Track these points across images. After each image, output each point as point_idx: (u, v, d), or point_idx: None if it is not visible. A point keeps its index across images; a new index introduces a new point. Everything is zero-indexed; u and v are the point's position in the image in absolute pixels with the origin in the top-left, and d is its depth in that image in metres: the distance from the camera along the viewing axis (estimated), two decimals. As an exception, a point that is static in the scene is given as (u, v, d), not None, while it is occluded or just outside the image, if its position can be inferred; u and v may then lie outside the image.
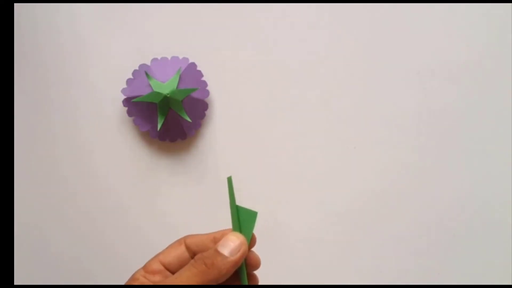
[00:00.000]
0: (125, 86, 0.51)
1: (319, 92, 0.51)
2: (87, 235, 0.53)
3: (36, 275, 0.53)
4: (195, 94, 0.50)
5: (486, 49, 0.50)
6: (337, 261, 0.51)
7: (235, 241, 0.33)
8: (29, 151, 0.53)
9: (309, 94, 0.51)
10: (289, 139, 0.51)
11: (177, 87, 0.49)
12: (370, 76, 0.51)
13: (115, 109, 0.52)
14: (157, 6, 0.51)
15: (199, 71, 0.51)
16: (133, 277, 0.34)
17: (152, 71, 0.50)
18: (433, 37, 0.50)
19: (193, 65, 0.51)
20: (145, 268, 0.35)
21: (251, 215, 0.34)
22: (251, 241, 0.34)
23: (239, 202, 0.35)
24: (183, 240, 0.36)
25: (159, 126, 0.49)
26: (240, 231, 0.34)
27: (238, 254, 0.33)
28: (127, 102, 0.51)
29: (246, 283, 0.34)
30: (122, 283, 0.35)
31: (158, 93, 0.48)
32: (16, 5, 0.52)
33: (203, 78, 0.51)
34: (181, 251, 0.36)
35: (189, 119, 0.49)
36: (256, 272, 0.36)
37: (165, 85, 0.49)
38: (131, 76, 0.51)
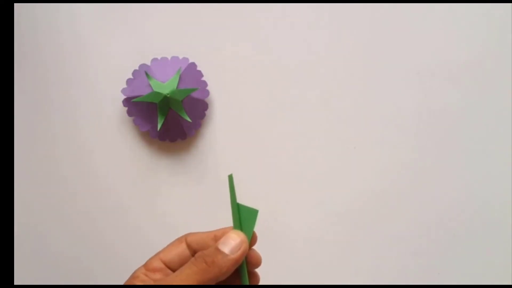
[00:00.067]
0: (125, 86, 0.51)
1: (319, 92, 0.51)
2: (87, 235, 0.53)
3: (36, 275, 0.53)
4: (195, 94, 0.50)
5: (486, 49, 0.50)
6: (337, 261, 0.51)
7: (236, 239, 0.33)
8: (29, 151, 0.53)
9: (309, 94, 0.51)
10: (289, 139, 0.51)
11: (177, 87, 0.49)
12: (370, 76, 0.51)
13: (115, 109, 0.52)
14: (157, 6, 0.51)
15: (199, 71, 0.51)
16: (133, 275, 0.35)
17: (152, 71, 0.50)
18: (433, 37, 0.50)
19: (193, 65, 0.51)
20: (145, 266, 0.35)
21: (252, 213, 0.34)
22: (252, 239, 0.34)
23: (239, 201, 0.34)
24: (184, 238, 0.36)
25: (159, 126, 0.49)
26: (241, 229, 0.34)
27: (239, 252, 0.33)
28: (127, 102, 0.51)
29: (246, 281, 0.34)
30: (122, 283, 0.35)
31: (158, 93, 0.48)
32: (16, 5, 0.52)
33: (203, 78, 0.51)
34: (182, 249, 0.36)
35: (189, 119, 0.49)
36: (256, 271, 0.36)
37: (165, 85, 0.49)
38: (131, 76, 0.51)
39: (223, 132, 0.52)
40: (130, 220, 0.52)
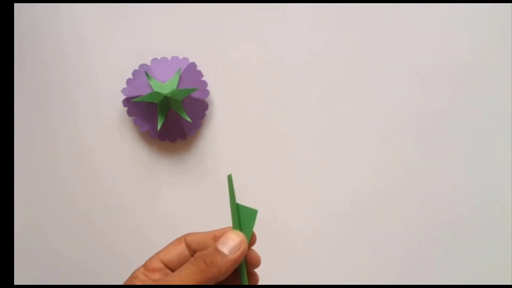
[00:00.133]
0: (125, 86, 0.51)
1: (319, 92, 0.51)
2: (87, 235, 0.53)
3: (36, 275, 0.53)
4: (195, 94, 0.50)
5: (486, 49, 0.50)
6: (337, 261, 0.51)
7: (235, 239, 0.33)
8: (29, 151, 0.53)
9: (309, 94, 0.51)
10: (289, 139, 0.51)
11: (177, 87, 0.49)
12: (370, 76, 0.51)
13: (115, 109, 0.52)
14: (157, 6, 0.51)
15: (199, 71, 0.51)
16: (133, 275, 0.35)
17: (152, 71, 0.50)
18: (433, 37, 0.50)
19: (193, 65, 0.51)
20: (145, 266, 0.35)
21: (251, 213, 0.34)
22: (251, 239, 0.35)
23: (239, 201, 0.35)
24: (184, 238, 0.36)
25: (159, 126, 0.49)
26: (240, 229, 0.34)
27: (238, 253, 0.33)
28: (127, 102, 0.51)
29: (246, 281, 0.34)
30: (122, 283, 0.35)
31: (158, 93, 0.48)
32: (16, 5, 0.52)
33: (203, 78, 0.51)
34: (181, 249, 0.36)
35: (189, 119, 0.49)
36: (256, 271, 0.36)
37: (165, 85, 0.49)
38: (131, 76, 0.51)
39: (223, 132, 0.52)
40: (130, 220, 0.52)
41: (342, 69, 0.51)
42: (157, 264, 0.35)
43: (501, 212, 0.50)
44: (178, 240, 0.36)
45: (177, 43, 0.51)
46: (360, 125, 0.51)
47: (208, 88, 0.51)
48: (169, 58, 0.51)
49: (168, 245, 0.36)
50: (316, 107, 0.51)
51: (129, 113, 0.51)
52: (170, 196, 0.52)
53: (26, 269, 0.53)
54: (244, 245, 0.33)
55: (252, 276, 0.36)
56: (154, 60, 0.51)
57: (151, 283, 0.34)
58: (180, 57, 0.51)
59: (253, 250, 0.35)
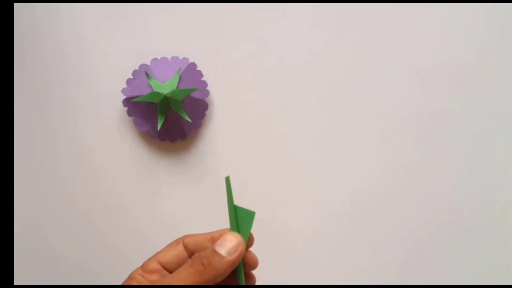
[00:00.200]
0: (125, 86, 0.51)
1: (319, 92, 0.51)
2: (87, 235, 0.53)
3: (36, 275, 0.53)
4: (195, 94, 0.50)
5: (486, 49, 0.50)
6: (337, 261, 0.51)
7: (233, 241, 0.33)
8: (29, 151, 0.53)
9: (309, 94, 0.51)
10: (289, 139, 0.51)
11: (177, 87, 0.49)
12: (370, 76, 0.51)
13: (115, 109, 0.52)
14: (157, 6, 0.51)
15: (199, 71, 0.51)
16: (130, 276, 0.35)
17: (152, 71, 0.50)
18: (433, 37, 0.50)
19: (193, 65, 0.51)
20: (143, 267, 0.35)
21: (249, 215, 0.34)
22: (249, 241, 0.35)
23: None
24: (181, 240, 0.36)
25: (159, 126, 0.49)
26: (238, 231, 0.34)
27: (236, 254, 0.33)
28: (127, 102, 0.51)
29: (243, 283, 0.34)
30: (122, 283, 0.35)
31: (158, 93, 0.48)
32: (16, 5, 0.52)
33: (203, 78, 0.51)
34: (179, 250, 0.36)
35: (189, 119, 0.49)
36: (255, 272, 0.36)
37: (165, 85, 0.49)
38: (131, 76, 0.51)
39: (223, 132, 0.52)
40: (130, 220, 0.52)
41: (342, 69, 0.51)
42: (154, 265, 0.35)
43: (501, 212, 0.50)
44: (176, 242, 0.36)
45: (177, 43, 0.51)
46: (360, 125, 0.51)
47: (208, 88, 0.51)
48: (169, 58, 0.51)
49: (166, 247, 0.36)
50: (316, 107, 0.51)
51: (129, 113, 0.51)
52: (170, 196, 0.52)
53: (26, 269, 0.53)
54: (242, 247, 0.33)
55: (250, 277, 0.36)
56: (154, 60, 0.51)
57: (149, 284, 0.34)
58: (180, 57, 0.51)
59: (250, 251, 0.35)
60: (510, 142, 0.50)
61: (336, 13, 0.50)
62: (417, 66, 0.50)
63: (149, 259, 0.35)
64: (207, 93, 0.51)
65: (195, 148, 0.52)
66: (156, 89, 0.49)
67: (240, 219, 0.34)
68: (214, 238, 0.35)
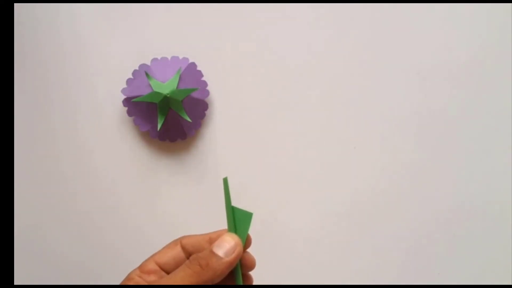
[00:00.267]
0: (125, 86, 0.51)
1: (319, 92, 0.51)
2: (87, 235, 0.53)
3: (36, 275, 0.53)
4: (195, 94, 0.50)
5: (486, 49, 0.50)
6: (337, 261, 0.51)
7: (230, 242, 0.33)
8: (29, 151, 0.53)
9: (309, 94, 0.51)
10: (289, 139, 0.51)
11: (177, 87, 0.49)
12: (370, 76, 0.51)
13: (115, 109, 0.52)
14: (157, 6, 0.51)
15: (199, 71, 0.51)
16: (128, 277, 0.35)
17: (152, 71, 0.50)
18: (433, 37, 0.50)
19: (193, 65, 0.51)
20: (140, 268, 0.35)
21: (247, 216, 0.34)
22: (246, 242, 0.34)
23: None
24: (179, 241, 0.36)
25: (159, 126, 0.49)
26: (236, 232, 0.34)
27: (233, 255, 0.33)
28: (127, 102, 0.51)
29: (241, 283, 0.34)
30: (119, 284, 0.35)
31: (158, 93, 0.48)
32: (16, 5, 0.52)
33: (203, 78, 0.51)
34: (177, 251, 0.36)
35: (189, 119, 0.49)
36: (254, 272, 0.36)
37: (165, 85, 0.49)
38: (131, 76, 0.51)
39: (223, 132, 0.52)
40: (130, 220, 0.52)
41: (342, 69, 0.51)
42: (152, 266, 0.35)
43: (501, 212, 0.50)
44: (174, 243, 0.36)
45: (177, 43, 0.51)
46: (360, 125, 0.51)
47: (208, 88, 0.51)
48: (169, 58, 0.51)
49: (163, 248, 0.36)
50: (316, 107, 0.51)
51: (129, 113, 0.51)
52: (170, 196, 0.52)
53: (26, 269, 0.53)
54: (239, 248, 0.33)
55: (247, 278, 0.36)
56: (154, 60, 0.51)
57: (146, 284, 0.34)
58: (180, 57, 0.51)
59: (248, 252, 0.35)
60: (510, 142, 0.50)
61: (336, 13, 0.50)
62: (417, 66, 0.50)
63: (147, 260, 0.35)
64: (207, 93, 0.51)
65: (195, 148, 0.52)
66: (156, 89, 0.49)
67: (238, 220, 0.34)
68: (212, 239, 0.35)
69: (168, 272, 0.35)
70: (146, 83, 0.50)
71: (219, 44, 0.51)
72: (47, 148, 0.53)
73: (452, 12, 0.50)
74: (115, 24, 0.52)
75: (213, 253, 0.32)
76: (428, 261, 0.51)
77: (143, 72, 0.50)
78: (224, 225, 0.36)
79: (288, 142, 0.51)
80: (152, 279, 0.34)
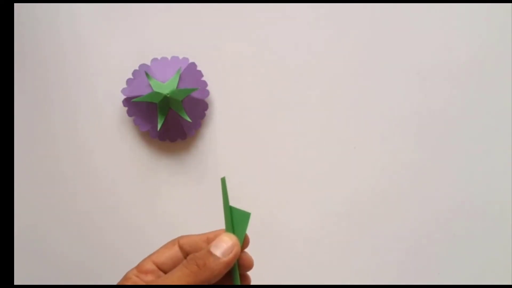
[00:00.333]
0: (125, 86, 0.51)
1: (319, 92, 0.51)
2: (87, 235, 0.53)
3: (36, 275, 0.53)
4: (195, 94, 0.50)
5: (486, 49, 0.50)
6: (337, 261, 0.51)
7: (228, 242, 0.33)
8: (29, 151, 0.53)
9: (309, 94, 0.51)
10: (289, 139, 0.51)
11: (177, 87, 0.49)
12: (370, 76, 0.51)
13: (115, 109, 0.52)
14: (157, 6, 0.51)
15: (199, 71, 0.51)
16: (125, 277, 0.35)
17: (152, 71, 0.50)
18: (433, 37, 0.50)
19: (193, 65, 0.51)
20: (138, 267, 0.35)
21: (244, 216, 0.34)
22: (244, 242, 0.34)
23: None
24: (177, 241, 0.36)
25: (159, 126, 0.49)
26: (233, 231, 0.34)
27: (231, 255, 0.33)
28: (127, 102, 0.51)
29: (238, 283, 0.34)
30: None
31: (158, 93, 0.48)
32: (16, 5, 0.52)
33: (203, 78, 0.51)
34: (175, 251, 0.36)
35: (189, 119, 0.49)
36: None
37: (165, 85, 0.49)
38: (131, 76, 0.51)
39: (223, 132, 0.52)
40: (130, 220, 0.52)
41: (342, 69, 0.51)
42: (150, 266, 0.35)
43: (501, 212, 0.50)
44: (172, 242, 0.36)
45: (177, 43, 0.51)
46: (360, 125, 0.51)
47: (208, 88, 0.51)
48: (169, 58, 0.51)
49: (161, 247, 0.36)
50: (316, 107, 0.51)
51: (129, 113, 0.51)
52: (170, 196, 0.52)
53: (26, 269, 0.53)
54: (237, 248, 0.33)
55: (245, 278, 0.36)
56: (154, 60, 0.51)
57: (144, 284, 0.34)
58: (180, 57, 0.51)
59: (246, 252, 0.35)
60: (510, 142, 0.50)
61: (336, 13, 0.50)
62: (417, 66, 0.50)
63: (144, 260, 0.35)
64: (207, 93, 0.51)
65: (195, 148, 0.52)
66: (156, 89, 0.49)
67: (236, 220, 0.34)
68: (210, 239, 0.35)
69: (165, 272, 0.35)
70: (146, 83, 0.50)
71: (219, 44, 0.51)
72: (47, 148, 0.53)
73: (452, 12, 0.50)
74: (115, 24, 0.52)
75: (210, 253, 0.32)
76: (428, 261, 0.51)
77: (143, 72, 0.50)
78: (223, 225, 0.36)
79: (288, 142, 0.51)
80: (149, 279, 0.34)
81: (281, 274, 0.51)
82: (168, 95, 0.48)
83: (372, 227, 0.51)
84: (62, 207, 0.53)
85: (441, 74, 0.50)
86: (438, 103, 0.50)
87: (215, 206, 0.48)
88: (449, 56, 0.50)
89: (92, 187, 0.53)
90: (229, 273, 0.34)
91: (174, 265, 0.34)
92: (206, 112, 0.51)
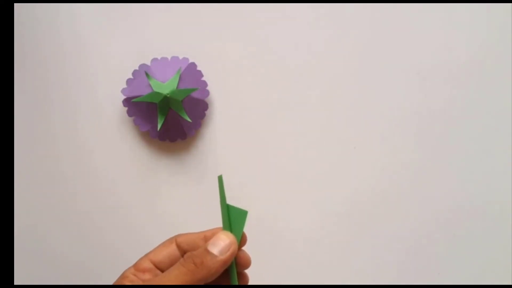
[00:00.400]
0: (125, 86, 0.51)
1: (319, 92, 0.51)
2: (87, 235, 0.53)
3: (36, 275, 0.53)
4: (195, 94, 0.50)
5: (486, 49, 0.50)
6: (337, 261, 0.51)
7: (225, 240, 0.33)
8: (29, 151, 0.53)
9: (309, 94, 0.51)
10: (289, 139, 0.51)
11: (177, 87, 0.49)
12: (370, 76, 0.51)
13: (115, 109, 0.52)
14: (157, 6, 0.51)
15: (199, 71, 0.51)
16: (123, 275, 0.35)
17: (152, 71, 0.50)
18: (433, 37, 0.50)
19: (193, 65, 0.51)
20: (135, 266, 0.35)
21: (242, 214, 0.34)
22: (242, 240, 0.34)
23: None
24: (174, 239, 0.36)
25: (159, 126, 0.49)
26: (231, 230, 0.34)
27: (228, 253, 0.33)
28: (127, 102, 0.51)
29: (236, 282, 0.34)
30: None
31: (158, 93, 0.48)
32: (16, 5, 0.52)
33: (203, 78, 0.51)
34: (172, 249, 0.36)
35: (189, 119, 0.49)
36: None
37: (165, 85, 0.49)
38: (131, 76, 0.51)
39: (223, 132, 0.52)
40: (130, 220, 0.52)
41: (342, 69, 0.51)
42: (147, 264, 0.35)
43: (501, 212, 0.50)
44: (169, 241, 0.36)
45: (177, 43, 0.51)
46: (360, 125, 0.51)
47: (208, 88, 0.51)
48: (169, 58, 0.51)
49: (158, 246, 0.36)
50: (316, 107, 0.51)
51: (129, 113, 0.51)
52: (170, 196, 0.52)
53: (26, 269, 0.53)
54: (234, 246, 0.33)
55: (242, 276, 0.36)
56: (154, 60, 0.51)
57: (141, 283, 0.34)
58: (180, 57, 0.51)
59: (243, 251, 0.35)
60: (510, 142, 0.50)
61: (336, 13, 0.50)
62: (417, 66, 0.50)
63: (142, 258, 0.35)
64: (207, 93, 0.51)
65: (195, 148, 0.52)
66: (156, 89, 0.49)
67: (233, 218, 0.34)
68: (207, 237, 0.35)
69: (163, 270, 0.35)
70: (146, 83, 0.50)
71: (219, 44, 0.51)
72: (47, 148, 0.53)
73: (452, 12, 0.50)
74: (115, 24, 0.52)
75: (207, 251, 0.32)
76: (428, 261, 0.51)
77: (143, 72, 0.50)
78: (221, 223, 0.36)
79: (288, 142, 0.51)
80: (146, 278, 0.34)
81: (281, 274, 0.51)
82: (168, 95, 0.48)
83: (372, 227, 0.51)
84: (62, 207, 0.53)
85: (441, 74, 0.50)
86: (438, 103, 0.50)
87: (215, 206, 0.48)
88: (449, 56, 0.50)
89: (92, 187, 0.53)
90: (227, 272, 0.34)
91: (172, 263, 0.34)
92: (206, 112, 0.51)
